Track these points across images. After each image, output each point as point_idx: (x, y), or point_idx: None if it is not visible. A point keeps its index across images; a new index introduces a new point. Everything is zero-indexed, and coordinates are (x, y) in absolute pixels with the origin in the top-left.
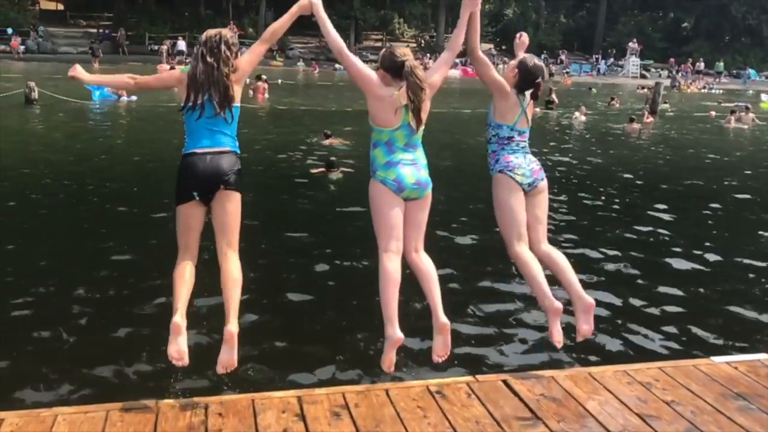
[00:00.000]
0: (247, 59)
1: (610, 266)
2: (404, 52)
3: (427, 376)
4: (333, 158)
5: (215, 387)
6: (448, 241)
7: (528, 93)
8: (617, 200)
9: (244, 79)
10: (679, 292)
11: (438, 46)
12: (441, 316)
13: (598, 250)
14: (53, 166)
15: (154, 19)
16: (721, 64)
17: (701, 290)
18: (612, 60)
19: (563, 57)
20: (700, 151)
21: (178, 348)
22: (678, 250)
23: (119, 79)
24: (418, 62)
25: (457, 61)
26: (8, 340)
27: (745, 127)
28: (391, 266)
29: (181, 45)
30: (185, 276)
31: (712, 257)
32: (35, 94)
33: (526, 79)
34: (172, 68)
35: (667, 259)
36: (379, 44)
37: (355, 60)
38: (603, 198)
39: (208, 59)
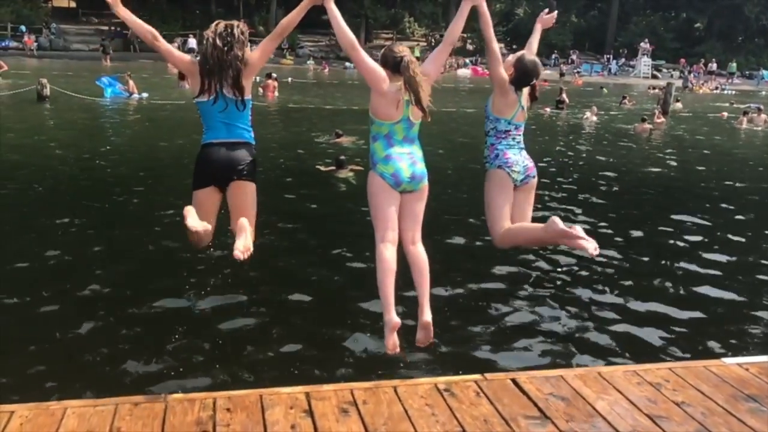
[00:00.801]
0: (258, 55)
1: (622, 266)
2: (402, 49)
3: (436, 373)
4: (342, 157)
5: (223, 382)
6: (459, 240)
7: (525, 90)
8: (627, 200)
9: (254, 74)
10: (690, 293)
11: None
12: (425, 314)
13: (609, 250)
14: (64, 162)
15: (165, 17)
16: (734, 64)
17: (712, 291)
18: (623, 60)
19: (574, 57)
20: (711, 152)
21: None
22: (689, 250)
23: (145, 28)
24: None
25: (468, 61)
26: (19, 334)
27: (758, 128)
28: (387, 255)
29: (192, 43)
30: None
31: (723, 258)
32: (47, 91)
33: (523, 77)
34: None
35: (678, 260)
36: (389, 42)
37: (365, 56)
38: (613, 198)
39: (218, 42)
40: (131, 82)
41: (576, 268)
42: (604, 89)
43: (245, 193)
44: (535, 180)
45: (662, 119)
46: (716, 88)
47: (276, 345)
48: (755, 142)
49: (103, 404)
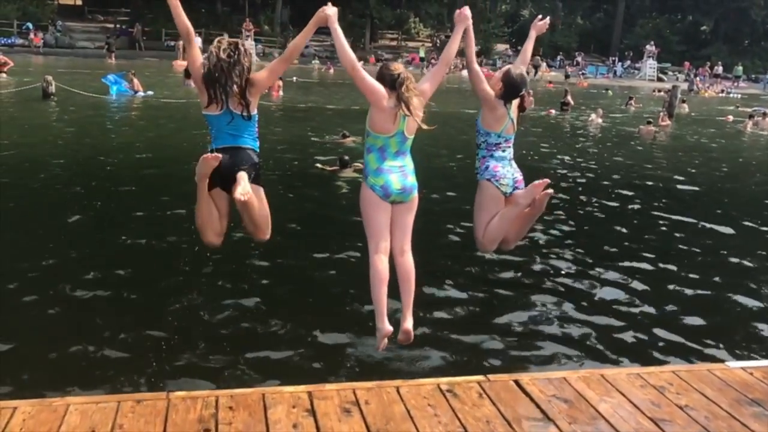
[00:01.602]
0: (266, 75)
1: (626, 269)
2: (397, 66)
3: (439, 374)
4: (346, 157)
5: (226, 380)
6: (464, 241)
7: (514, 102)
8: (631, 202)
9: (261, 92)
10: (694, 296)
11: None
12: (408, 321)
13: (612, 253)
14: (69, 160)
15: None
16: (740, 68)
17: (716, 294)
18: (629, 62)
19: (579, 59)
20: (716, 156)
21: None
22: (693, 253)
23: (186, 24)
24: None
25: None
26: (22, 331)
27: (764, 132)
28: (379, 265)
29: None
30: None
31: (727, 261)
32: (52, 88)
33: (511, 90)
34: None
35: (682, 263)
36: (394, 43)
37: (366, 75)
38: (617, 200)
39: (222, 56)
40: (135, 81)
41: (580, 270)
42: (609, 91)
43: (251, 201)
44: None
45: (667, 122)
46: (722, 92)
47: (279, 344)
48: (761, 145)
49: (105, 401)
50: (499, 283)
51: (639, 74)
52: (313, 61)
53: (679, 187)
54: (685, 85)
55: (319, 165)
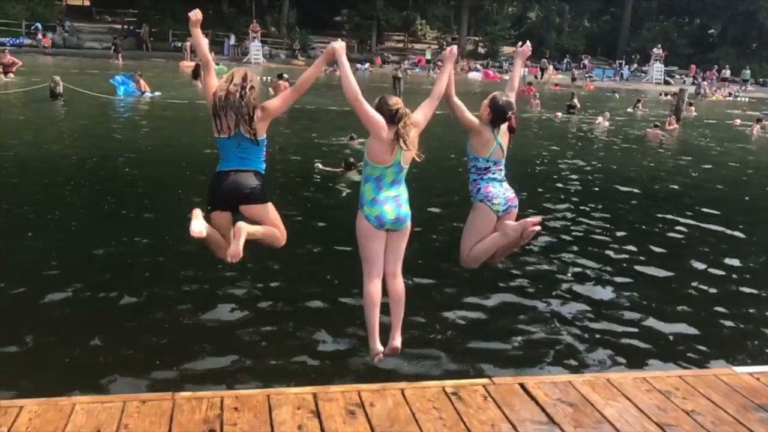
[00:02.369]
0: (278, 104)
1: (632, 272)
2: (396, 101)
3: (444, 376)
4: (352, 159)
5: (231, 381)
6: None
7: (503, 126)
8: (637, 206)
9: (271, 118)
10: (701, 301)
11: (460, 48)
12: (396, 340)
13: (618, 256)
14: (76, 160)
15: (177, 16)
16: (748, 71)
17: (723, 299)
18: (635, 65)
19: (586, 62)
20: (723, 160)
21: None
22: (700, 257)
23: (206, 54)
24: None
25: (479, 66)
26: (29, 331)
27: None
28: (372, 291)
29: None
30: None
31: (735, 266)
32: (60, 89)
33: (498, 115)
34: (197, 66)
35: (690, 268)
36: (400, 45)
37: (368, 107)
38: (624, 203)
39: (232, 89)
40: (142, 81)
41: (586, 274)
42: (616, 94)
43: (258, 214)
44: (516, 209)
45: (675, 126)
46: (729, 95)
47: (284, 345)
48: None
49: (111, 401)
50: (505, 286)
51: (646, 77)
52: None
53: (687, 191)
54: (692, 89)
55: (320, 166)
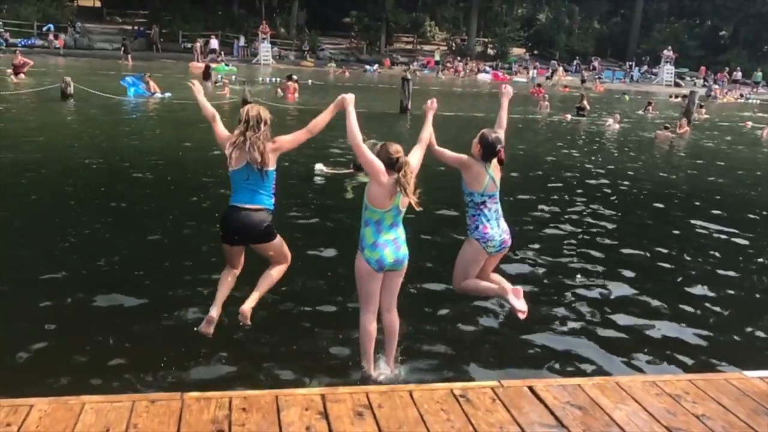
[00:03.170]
0: (290, 141)
1: (641, 275)
2: (397, 149)
3: (452, 379)
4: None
5: (239, 382)
6: None
7: (494, 160)
8: (648, 209)
9: (280, 152)
10: (711, 304)
11: (469, 50)
12: (390, 367)
13: (628, 259)
14: (86, 160)
15: (187, 17)
16: (759, 73)
17: (734, 302)
18: (646, 67)
19: (596, 63)
20: (733, 162)
21: (207, 331)
22: (711, 261)
23: (209, 109)
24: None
25: (488, 68)
26: (38, 330)
27: None
28: (369, 326)
29: (214, 43)
30: (227, 279)
31: (746, 269)
32: (71, 89)
33: (488, 151)
34: (207, 67)
35: (700, 271)
36: (410, 46)
37: (368, 152)
38: (634, 206)
39: (248, 133)
40: (152, 83)
41: (595, 277)
42: (626, 96)
43: (266, 249)
44: (507, 249)
45: (686, 128)
46: (740, 97)
47: (292, 346)
48: None
49: (120, 401)
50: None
51: (656, 79)
52: (328, 64)
53: (698, 193)
54: (702, 91)
55: (324, 168)
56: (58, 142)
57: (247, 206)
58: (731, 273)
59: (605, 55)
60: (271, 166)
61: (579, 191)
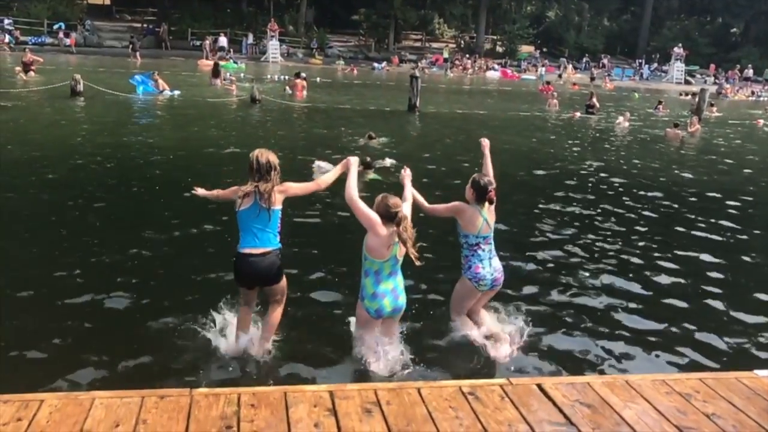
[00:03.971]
0: (297, 190)
1: (652, 273)
2: (396, 203)
3: (461, 376)
4: (368, 158)
5: (248, 378)
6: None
7: (486, 202)
8: (658, 208)
9: (286, 195)
10: (722, 303)
11: (478, 47)
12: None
13: (640, 258)
14: (95, 157)
15: (196, 14)
16: None
17: (745, 301)
18: (656, 65)
19: (605, 61)
20: (745, 160)
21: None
22: (724, 259)
23: (225, 197)
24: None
25: (496, 66)
26: (50, 326)
27: None
28: (370, 358)
29: (223, 41)
30: (245, 317)
31: (759, 267)
32: (80, 86)
33: (480, 194)
34: (215, 64)
35: (711, 269)
36: (418, 44)
37: (364, 206)
38: (642, 206)
39: (259, 181)
40: (160, 81)
41: (605, 274)
42: (636, 94)
43: (275, 291)
44: (500, 286)
45: (697, 126)
46: (752, 95)
47: (301, 343)
48: None
49: (129, 396)
50: (522, 287)
51: (666, 77)
52: (337, 62)
53: (709, 191)
54: (713, 88)
55: (323, 165)
56: (66, 138)
57: (257, 251)
58: (742, 271)
59: (615, 52)
60: (278, 206)
61: (588, 189)
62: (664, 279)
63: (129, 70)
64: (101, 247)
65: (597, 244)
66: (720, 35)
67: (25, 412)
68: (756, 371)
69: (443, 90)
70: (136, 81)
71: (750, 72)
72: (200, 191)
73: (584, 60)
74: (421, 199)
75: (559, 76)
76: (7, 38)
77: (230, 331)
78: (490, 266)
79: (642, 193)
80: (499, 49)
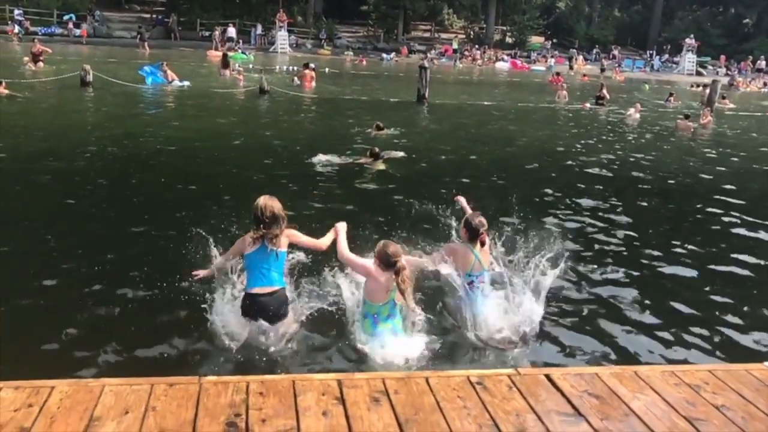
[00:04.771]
0: (300, 238)
1: (661, 265)
2: (396, 252)
3: (469, 366)
4: (377, 149)
5: (257, 367)
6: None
7: (477, 242)
8: (669, 200)
9: (289, 240)
10: (731, 294)
11: (487, 38)
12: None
13: (649, 249)
14: (105, 147)
15: (205, 5)
16: None
17: (754, 293)
18: (667, 56)
19: (616, 52)
20: (757, 153)
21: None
22: (731, 251)
23: (229, 261)
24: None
25: (506, 57)
26: (60, 314)
27: None
28: None
29: (232, 31)
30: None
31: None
32: (90, 77)
33: (473, 234)
34: (224, 55)
35: (720, 261)
36: (427, 35)
37: (355, 258)
38: (654, 197)
39: (265, 229)
40: (169, 71)
41: (614, 266)
42: (646, 85)
43: (284, 325)
44: None
45: (709, 118)
46: (764, 86)
47: (309, 332)
48: None
49: (138, 383)
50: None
51: (677, 68)
52: (345, 53)
53: (721, 183)
54: (725, 80)
55: (323, 158)
56: (75, 128)
57: (264, 290)
58: (753, 264)
59: (625, 43)
60: (284, 248)
61: (597, 181)
62: (673, 270)
63: (138, 60)
64: (108, 238)
65: (605, 234)
66: (732, 26)
67: (36, 399)
68: (766, 363)
69: (452, 81)
70: (145, 72)
71: (762, 63)
72: (202, 272)
73: (594, 51)
74: (421, 261)
75: (570, 67)
76: (17, 29)
77: (239, 319)
78: (484, 306)
79: (652, 184)
80: (509, 40)
